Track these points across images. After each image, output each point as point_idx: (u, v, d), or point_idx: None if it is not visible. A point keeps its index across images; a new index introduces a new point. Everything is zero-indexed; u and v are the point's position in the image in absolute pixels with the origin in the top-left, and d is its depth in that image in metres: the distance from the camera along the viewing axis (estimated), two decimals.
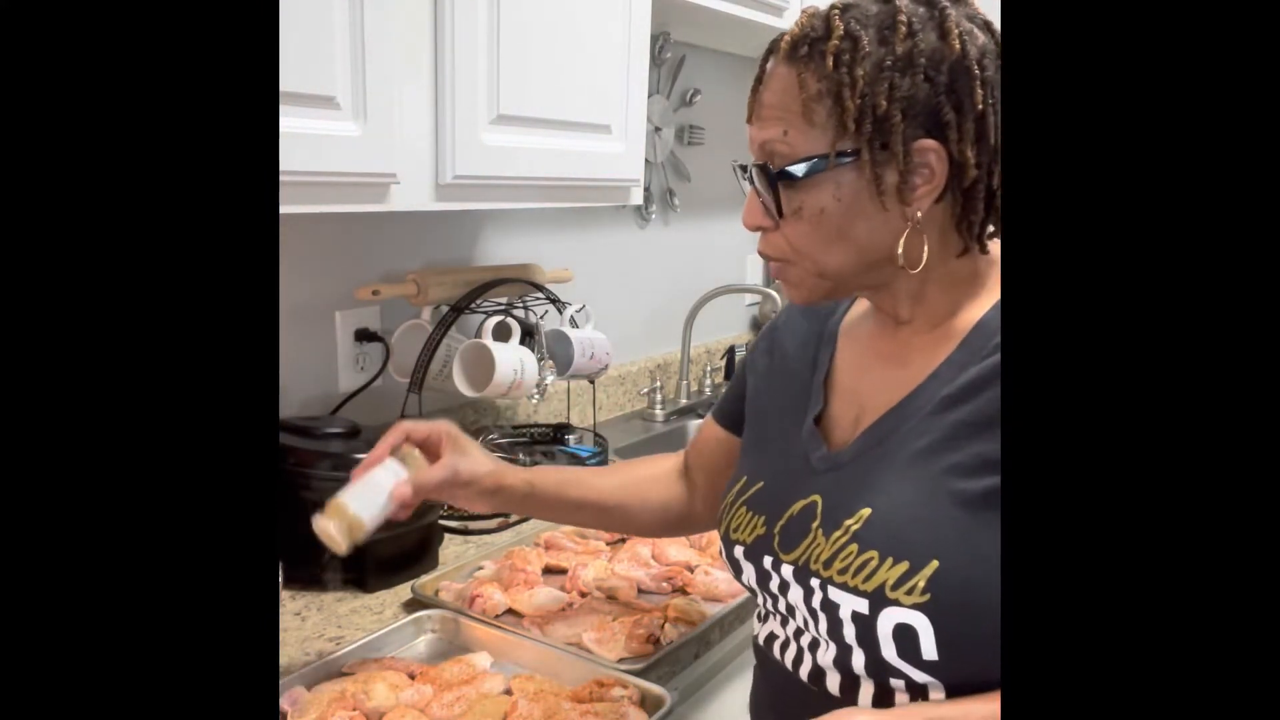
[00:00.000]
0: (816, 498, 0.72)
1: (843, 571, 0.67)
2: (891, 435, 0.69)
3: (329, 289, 1.31)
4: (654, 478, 0.98)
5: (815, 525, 0.71)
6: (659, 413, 1.87)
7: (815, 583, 0.69)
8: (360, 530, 0.81)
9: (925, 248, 0.67)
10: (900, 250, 0.66)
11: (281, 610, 1.02)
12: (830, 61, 0.64)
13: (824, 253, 0.68)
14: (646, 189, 1.88)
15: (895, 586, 0.64)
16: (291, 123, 0.88)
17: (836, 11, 0.66)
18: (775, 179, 0.68)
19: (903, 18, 0.64)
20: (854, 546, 0.67)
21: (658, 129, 1.87)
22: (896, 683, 0.66)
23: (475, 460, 0.88)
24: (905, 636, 0.64)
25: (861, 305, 0.79)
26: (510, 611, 1.03)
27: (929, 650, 0.63)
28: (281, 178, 0.84)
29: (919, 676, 0.64)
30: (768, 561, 0.74)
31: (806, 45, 0.66)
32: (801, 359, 0.81)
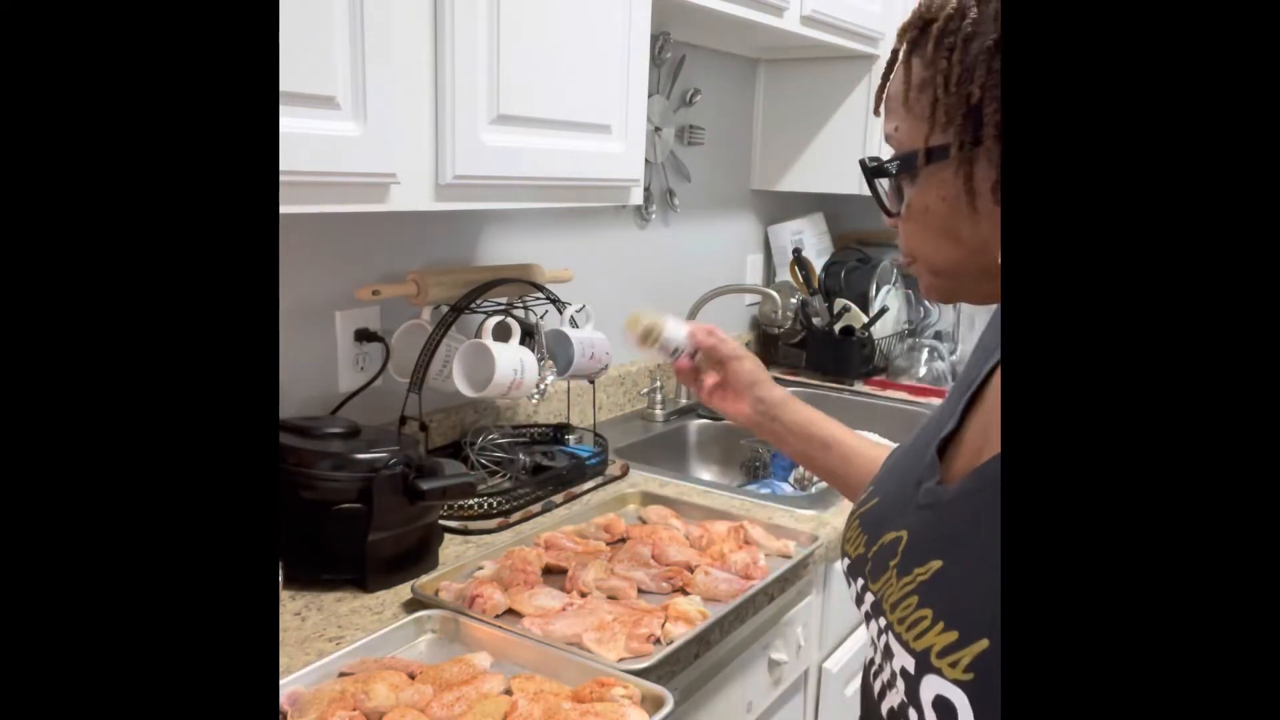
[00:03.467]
0: (904, 533, 0.65)
1: (900, 621, 0.61)
2: (993, 485, 0.59)
3: (329, 289, 1.31)
4: None
5: (893, 564, 0.64)
6: (659, 413, 1.87)
7: (883, 623, 0.63)
8: (657, 332, 1.00)
9: None
10: (999, 256, 0.59)
11: (281, 610, 1.02)
12: (932, 46, 0.58)
13: (934, 252, 0.64)
14: (646, 189, 1.88)
15: (941, 655, 0.56)
16: (291, 123, 0.88)
17: None
18: (875, 175, 0.64)
19: None
20: (915, 599, 0.60)
21: (658, 129, 1.87)
22: None
23: (753, 359, 1.00)
24: (945, 710, 0.55)
25: None
26: (510, 611, 1.03)
27: None
28: (282, 178, 0.84)
29: None
30: (860, 584, 0.69)
31: (918, 28, 0.60)
32: (971, 368, 0.73)
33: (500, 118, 1.11)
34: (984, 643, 0.54)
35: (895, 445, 0.87)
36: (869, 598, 0.67)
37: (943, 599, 0.58)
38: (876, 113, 0.65)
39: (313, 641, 0.97)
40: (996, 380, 0.68)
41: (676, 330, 1.01)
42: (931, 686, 0.56)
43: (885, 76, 0.64)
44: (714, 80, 2.03)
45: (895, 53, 0.63)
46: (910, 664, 0.58)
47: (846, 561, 0.72)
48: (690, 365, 1.01)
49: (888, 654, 0.62)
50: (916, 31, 0.60)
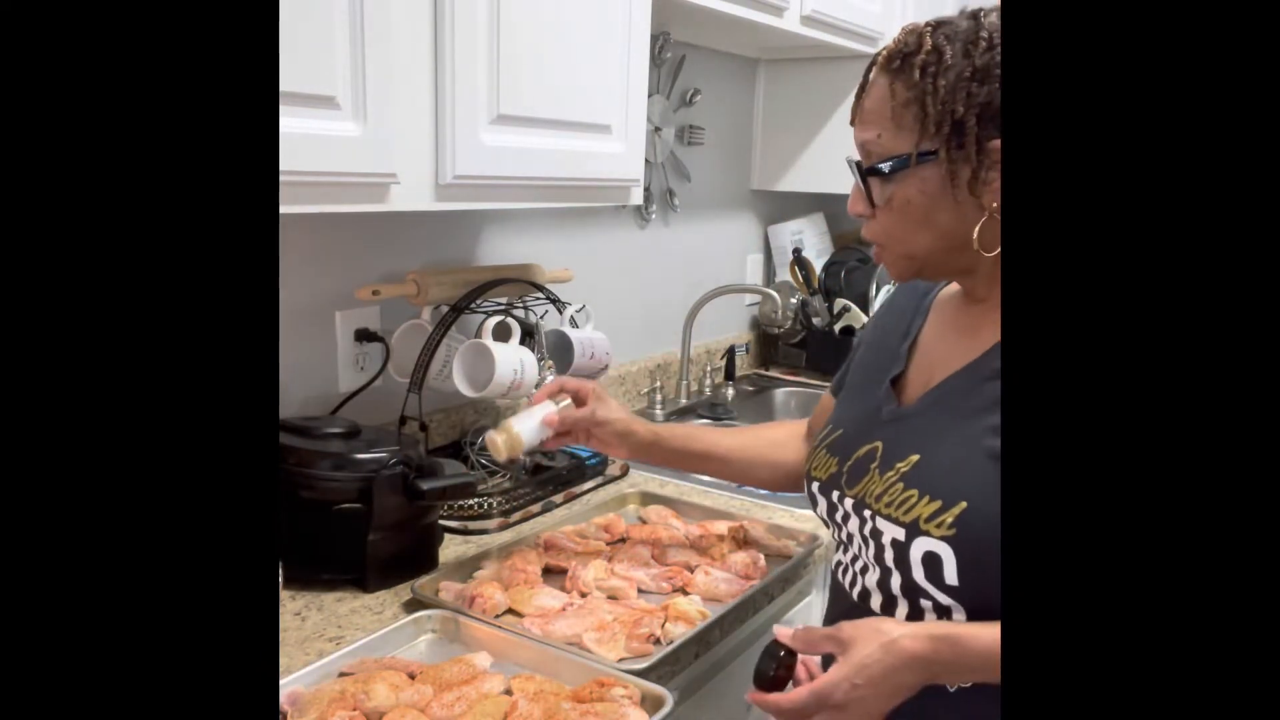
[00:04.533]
0: (879, 444, 0.83)
1: (889, 505, 0.79)
2: (950, 396, 0.80)
3: (329, 289, 1.31)
4: (778, 441, 1.13)
5: (874, 466, 0.82)
6: (659, 413, 1.87)
7: (867, 514, 0.81)
8: (519, 444, 1.04)
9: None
10: (975, 236, 0.75)
11: (281, 610, 1.02)
12: (917, 73, 0.74)
13: (911, 237, 0.78)
14: (646, 189, 1.87)
15: (928, 520, 0.75)
16: (291, 123, 0.88)
17: (929, 29, 0.75)
18: (868, 174, 0.78)
19: (984, 33, 0.73)
20: (900, 485, 0.78)
21: (658, 129, 1.87)
22: (925, 603, 0.77)
23: (612, 408, 1.10)
24: (932, 563, 0.75)
25: (954, 284, 0.89)
26: (510, 611, 1.03)
27: (951, 576, 0.74)
28: (282, 178, 0.84)
29: (943, 599, 0.75)
30: (835, 495, 0.87)
31: (899, 59, 0.75)
32: (897, 328, 0.92)
33: (500, 118, 1.11)
34: (962, 504, 0.73)
35: (761, 424, 1.20)
36: (848, 501, 0.84)
37: (925, 480, 0.77)
38: (853, 124, 0.80)
39: (313, 641, 0.97)
40: (929, 332, 0.88)
41: (529, 426, 1.05)
42: (921, 546, 0.75)
43: (858, 95, 0.79)
44: (714, 80, 2.03)
45: (867, 76, 0.79)
46: (901, 534, 0.77)
47: (816, 484, 0.90)
48: (559, 437, 1.09)
49: (873, 536, 0.80)
50: (899, 61, 0.75)
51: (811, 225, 2.40)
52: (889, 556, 0.79)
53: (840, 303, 2.21)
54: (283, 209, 0.85)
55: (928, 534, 0.75)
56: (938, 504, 0.75)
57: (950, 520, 0.73)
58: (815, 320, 2.20)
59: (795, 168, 2.18)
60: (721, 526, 1.25)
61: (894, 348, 0.90)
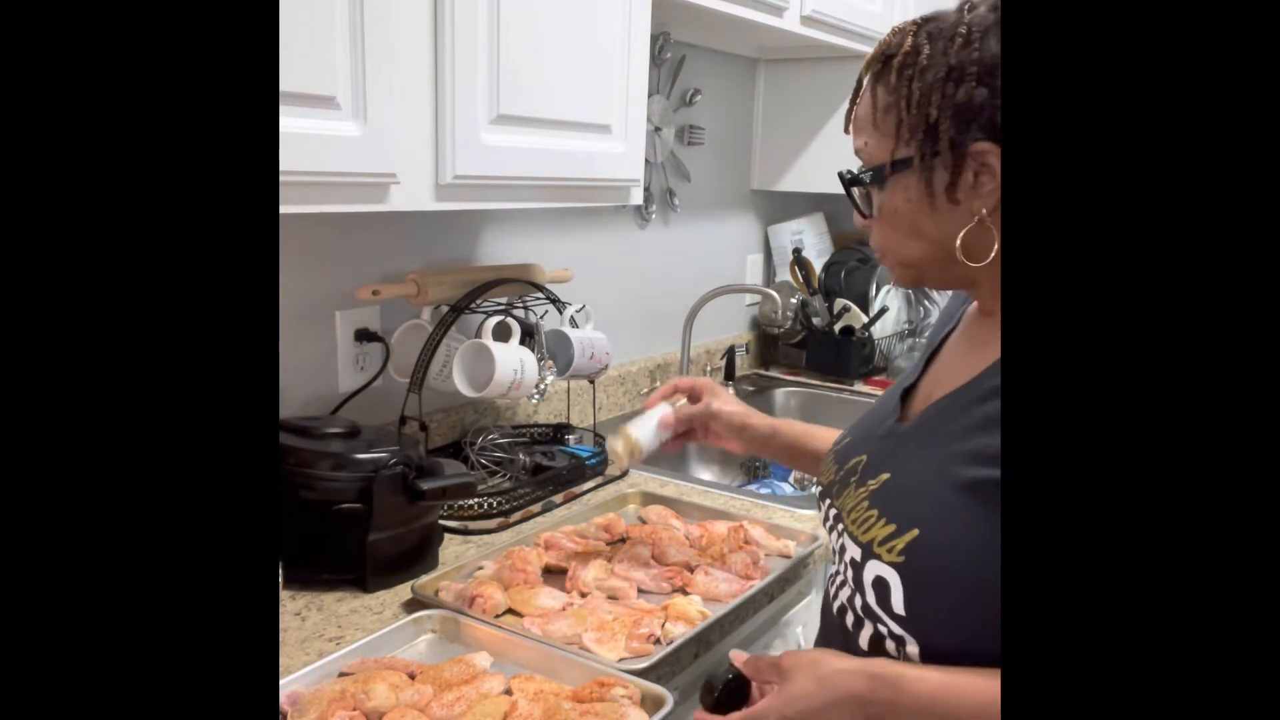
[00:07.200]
0: (864, 457, 0.81)
1: (854, 522, 0.77)
2: (938, 416, 0.76)
3: (329, 289, 1.31)
4: None
5: (853, 480, 0.80)
6: None
7: (841, 528, 0.79)
8: (639, 450, 1.07)
9: (996, 243, 0.71)
10: (958, 245, 0.71)
11: (281, 610, 1.02)
12: (894, 76, 0.71)
13: (902, 246, 0.76)
14: (646, 189, 1.87)
15: (881, 543, 0.72)
16: (291, 123, 0.88)
17: (914, 27, 0.72)
18: (850, 184, 0.77)
19: (963, 28, 0.68)
20: (866, 503, 0.76)
21: (658, 129, 1.87)
22: (882, 629, 0.73)
23: (726, 401, 1.10)
24: (881, 588, 0.72)
25: None
26: (510, 611, 1.03)
27: (898, 605, 0.70)
28: (281, 178, 0.84)
29: (894, 628, 0.72)
30: (826, 503, 0.85)
31: (881, 62, 0.73)
32: (935, 334, 0.89)
33: (500, 118, 1.11)
34: (914, 532, 0.70)
35: None
36: (832, 512, 0.82)
37: (887, 501, 0.74)
38: (846, 131, 0.78)
39: (313, 641, 0.97)
40: (949, 342, 0.84)
41: (647, 430, 1.08)
42: (872, 569, 0.73)
43: (852, 101, 0.77)
44: (714, 80, 2.03)
45: (860, 81, 0.76)
46: (858, 554, 0.75)
47: (819, 488, 0.88)
48: (679, 437, 1.11)
49: (842, 552, 0.78)
50: (880, 65, 0.73)
51: (811, 225, 2.41)
52: (849, 575, 0.77)
53: (840, 303, 2.21)
54: (283, 209, 0.85)
55: (879, 558, 0.72)
56: (892, 528, 0.72)
57: (901, 546, 0.70)
58: (815, 320, 2.20)
59: (795, 168, 2.18)
60: (721, 526, 1.25)
61: (922, 358, 0.87)
